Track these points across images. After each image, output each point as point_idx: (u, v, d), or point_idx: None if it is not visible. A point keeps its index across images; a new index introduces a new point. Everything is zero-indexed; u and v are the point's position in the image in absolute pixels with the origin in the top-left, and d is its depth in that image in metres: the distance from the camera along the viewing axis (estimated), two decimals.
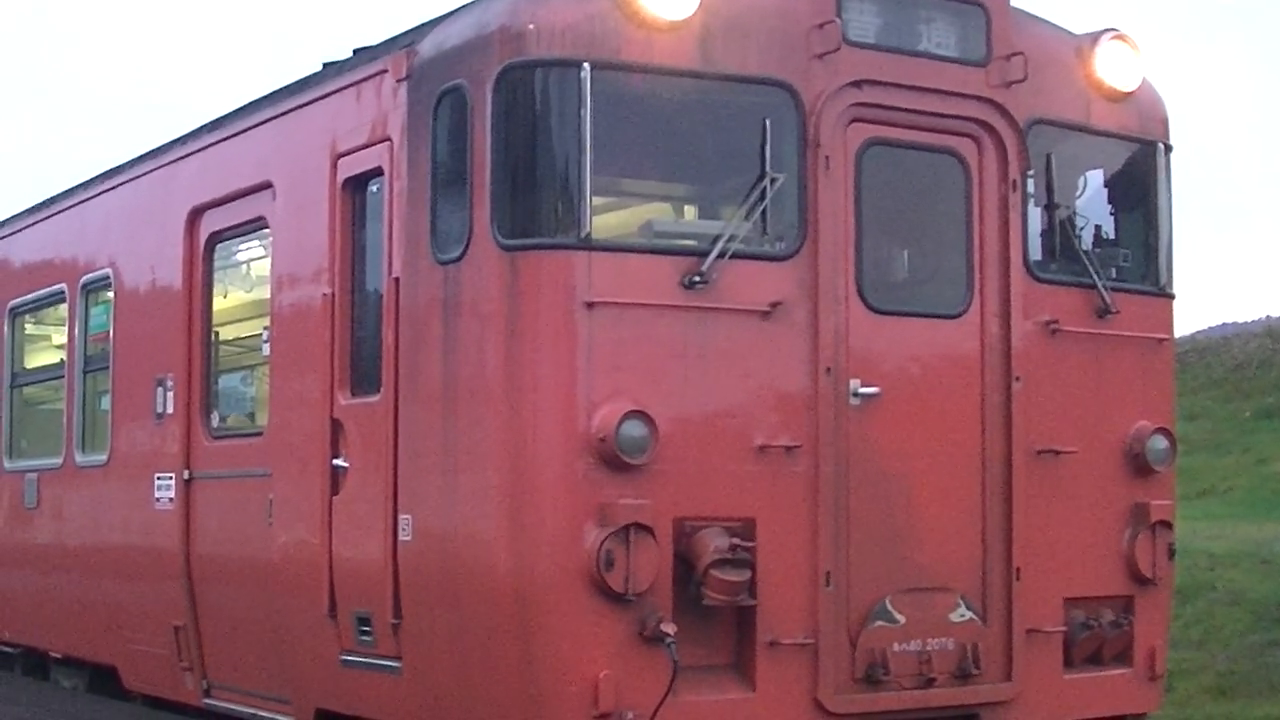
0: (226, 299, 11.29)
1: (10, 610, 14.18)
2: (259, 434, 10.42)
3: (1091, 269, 9.45)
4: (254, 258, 11.04)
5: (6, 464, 14.22)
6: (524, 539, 8.18)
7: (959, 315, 9.14)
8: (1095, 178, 10.00)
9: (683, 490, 8.28)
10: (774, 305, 8.54)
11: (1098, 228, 9.85)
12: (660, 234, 8.58)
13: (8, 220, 14.66)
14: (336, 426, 9.45)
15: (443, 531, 8.57)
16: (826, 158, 8.74)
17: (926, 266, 9.41)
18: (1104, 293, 9.46)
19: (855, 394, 8.76)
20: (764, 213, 8.55)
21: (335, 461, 9.43)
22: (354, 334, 9.50)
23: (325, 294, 9.56)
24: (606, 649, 8.11)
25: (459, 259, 8.52)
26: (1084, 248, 9.52)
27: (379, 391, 9.07)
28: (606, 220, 8.58)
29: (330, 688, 9.62)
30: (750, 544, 8.31)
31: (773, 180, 8.56)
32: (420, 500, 8.72)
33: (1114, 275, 9.65)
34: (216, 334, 11.16)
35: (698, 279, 8.37)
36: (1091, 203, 9.97)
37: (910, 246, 9.39)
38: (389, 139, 9.11)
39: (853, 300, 8.80)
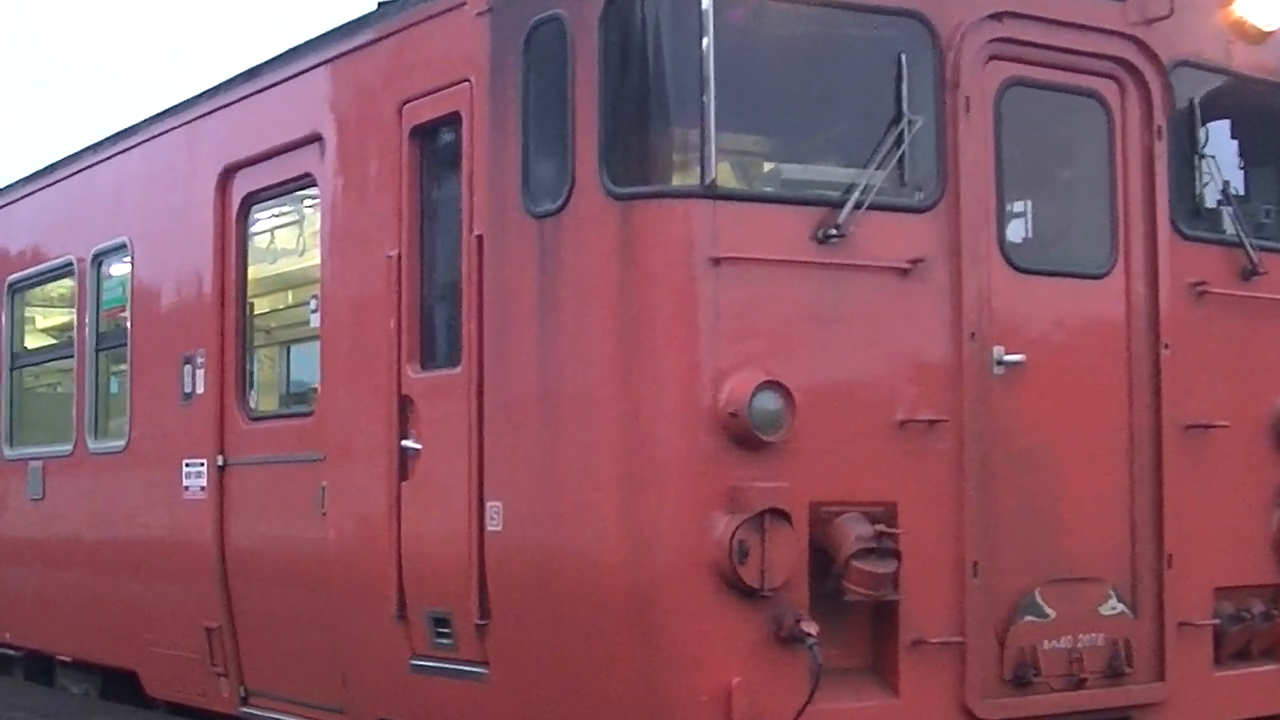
0: (264, 266, 10.10)
1: (12, 610, 12.88)
2: (308, 414, 9.22)
3: (1237, 226, 8.41)
4: (298, 219, 9.86)
5: (7, 452, 12.90)
6: (642, 528, 7.04)
7: (1103, 276, 8.06)
8: (1222, 127, 8.98)
9: (819, 471, 7.17)
10: (914, 262, 7.44)
11: (1226, 182, 8.83)
12: (788, 182, 7.46)
13: (5, 189, 13.35)
14: (405, 404, 8.28)
15: (541, 520, 7.42)
16: (966, 99, 7.64)
17: (1068, 222, 8.34)
18: (1251, 252, 8.42)
19: (999, 362, 7.66)
20: (901, 159, 7.47)
21: (404, 443, 8.25)
22: (425, 300, 8.32)
23: (390, 256, 8.38)
24: (739, 652, 6.99)
25: (558, 211, 7.37)
26: (1228, 203, 8.49)
27: (458, 363, 7.91)
28: (725, 167, 7.45)
29: (396, 696, 8.45)
30: (894, 531, 7.22)
31: (910, 123, 7.48)
32: (512, 485, 7.57)
33: (1255, 233, 8.64)
34: (252, 305, 9.98)
35: (834, 232, 7.26)
36: (1221, 154, 8.94)
37: (1051, 199, 8.32)
38: (467, 80, 7.93)
39: (994, 258, 7.71)
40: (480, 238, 7.78)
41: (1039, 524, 7.72)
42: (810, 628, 7.00)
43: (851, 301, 7.35)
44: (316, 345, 9.19)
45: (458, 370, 7.91)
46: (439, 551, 8.00)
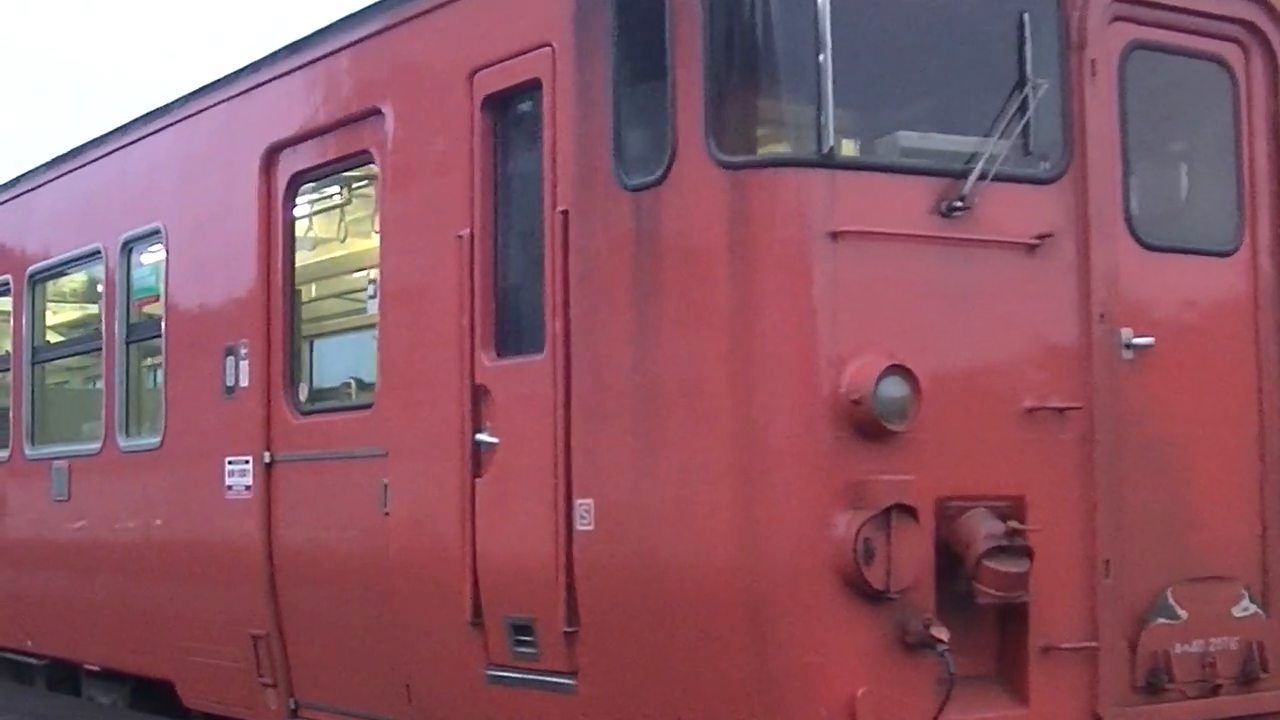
0: (314, 250, 9.49)
1: (35, 616, 12.22)
2: (367, 407, 8.61)
3: None
4: (352, 199, 9.24)
5: (28, 451, 12.24)
6: (755, 527, 6.44)
7: (1231, 253, 7.51)
8: None
9: (945, 463, 6.58)
10: (1041, 238, 6.87)
11: None
12: (907, 151, 6.87)
13: (24, 175, 12.69)
14: (479, 394, 7.68)
15: (639, 518, 6.81)
16: (1092, 62, 7.08)
17: (1193, 195, 7.78)
18: None
19: (1127, 346, 7.10)
20: (1025, 126, 6.89)
21: (478, 436, 7.64)
22: (499, 282, 7.73)
23: (460, 236, 7.77)
24: (863, 660, 6.40)
25: (656, 182, 6.77)
26: None
27: (541, 349, 7.31)
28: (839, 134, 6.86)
29: (470, 708, 7.83)
30: (1027, 528, 6.64)
31: (1035, 87, 6.91)
32: (605, 481, 6.97)
33: None
34: (299, 292, 9.36)
35: (958, 204, 6.68)
36: None
37: (1175, 171, 7.76)
38: (548, 44, 7.33)
39: (1121, 234, 7.14)
40: (565, 213, 7.18)
41: (1169, 519, 7.16)
42: (941, 633, 6.42)
43: (976, 280, 6.77)
44: (373, 334, 8.60)
45: (540, 357, 7.31)
46: (519, 553, 7.40)
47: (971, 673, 6.63)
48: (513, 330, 7.63)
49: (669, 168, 6.71)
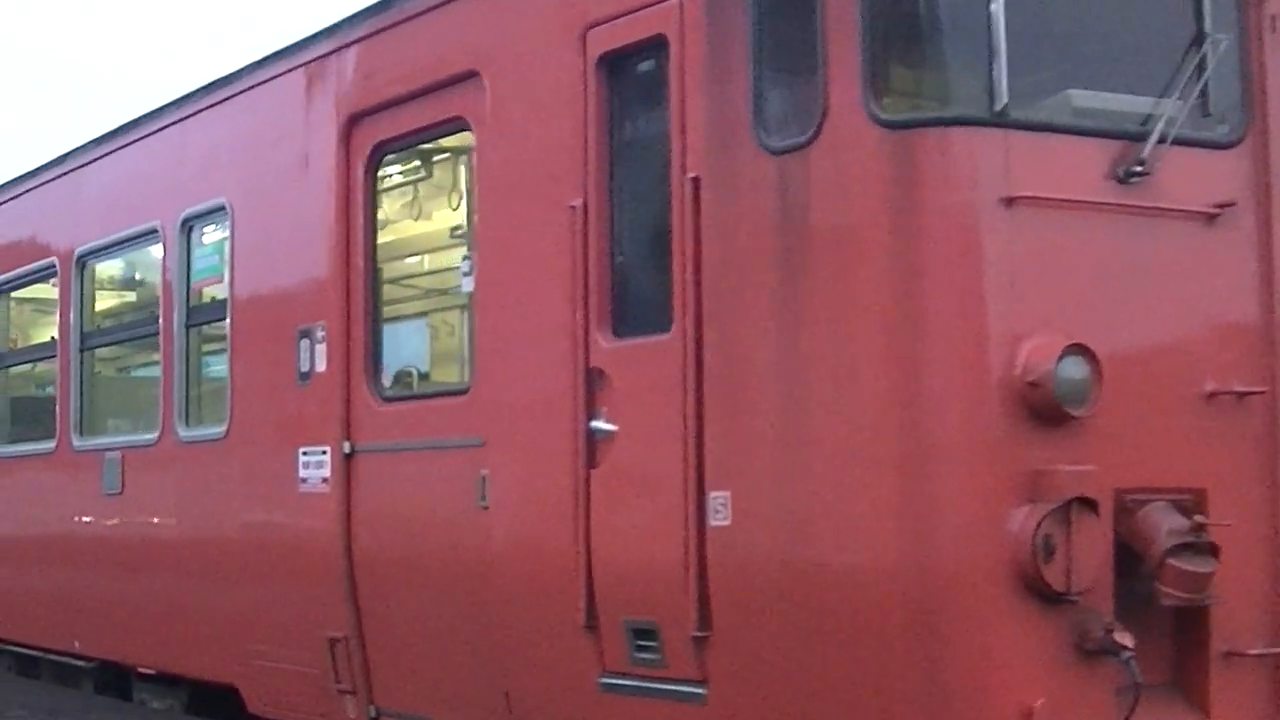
0: (399, 225, 8.96)
1: (83, 617, 11.69)
2: (462, 393, 8.08)
3: None
4: (443, 170, 8.71)
5: (76, 442, 11.71)
6: (922, 522, 5.91)
7: None
8: None
9: (1123, 452, 6.05)
10: (1221, 207, 6.35)
11: None
12: (1079, 111, 6.34)
13: (71, 153, 12.17)
14: (594, 378, 7.16)
15: (784, 513, 6.28)
16: (1273, 17, 6.56)
17: None
18: None
19: None
20: (1204, 86, 6.38)
21: (593, 424, 7.13)
22: (617, 256, 7.20)
23: (573, 206, 7.25)
24: (1040, 669, 5.87)
25: (806, 144, 6.24)
26: None
27: (668, 328, 6.78)
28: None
29: (581, 718, 7.33)
30: (1212, 523, 6.11)
31: (1214, 44, 6.39)
32: (744, 472, 6.44)
33: None
34: (381, 271, 8.83)
35: (1137, 169, 6.16)
36: None
37: None
38: None
39: None
40: (696, 180, 6.65)
41: None
42: (1125, 639, 5.89)
43: (1152, 252, 6.25)
44: (468, 314, 8.09)
45: (666, 337, 6.78)
46: (642, 551, 6.87)
47: (1148, 681, 6.10)
48: (632, 308, 7.11)
49: (819, 128, 6.19)
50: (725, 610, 6.52)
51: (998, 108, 5.94)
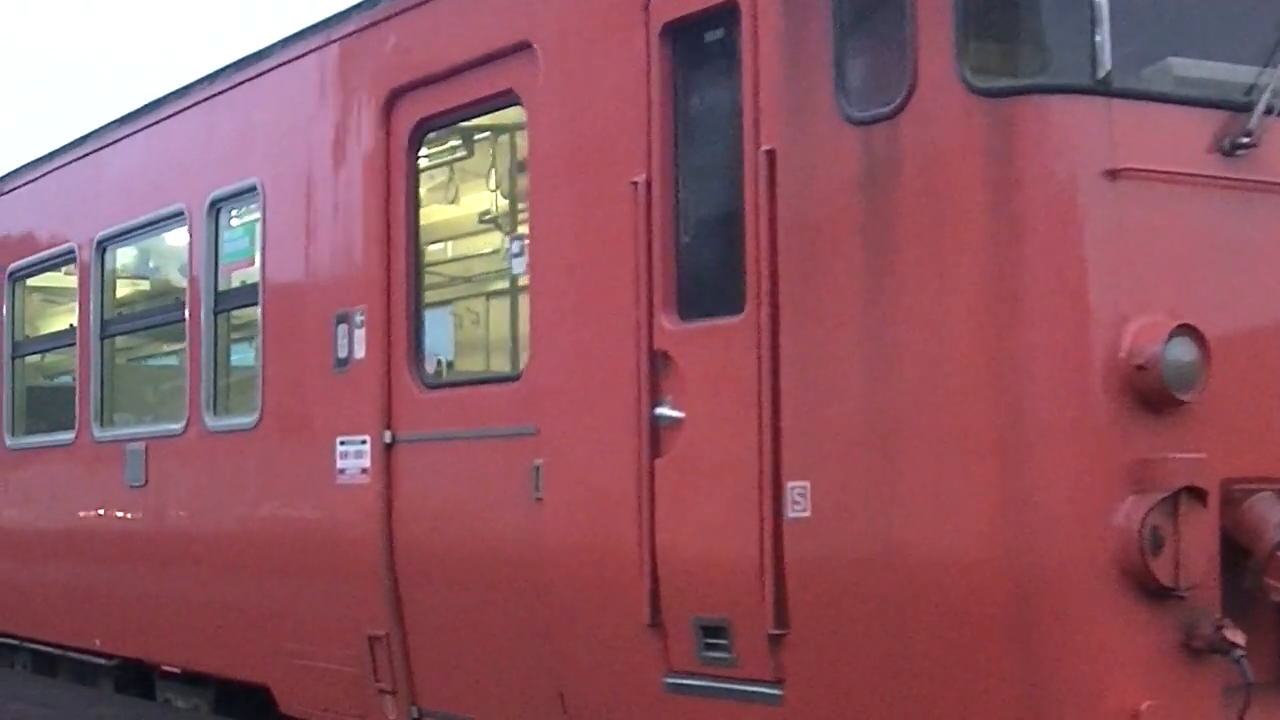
0: (443, 205, 8.65)
1: (104, 614, 11.37)
2: (513, 379, 7.77)
3: None
4: (488, 146, 8.39)
5: (97, 433, 11.40)
6: (1021, 514, 5.59)
7: None
8: None
9: (1230, 440, 5.74)
10: None
11: None
12: (1181, 80, 6.03)
13: (90, 135, 11.85)
14: (658, 362, 6.85)
15: (870, 505, 5.96)
16: None
17: None
18: None
19: None
20: None
21: (659, 410, 6.82)
22: (682, 234, 6.89)
23: (634, 183, 6.92)
24: (1146, 668, 5.57)
25: (893, 114, 5.93)
26: None
27: (740, 310, 6.47)
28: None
29: (645, 719, 7.03)
30: None
31: None
32: (825, 461, 6.13)
33: None
34: (424, 253, 8.52)
35: (1244, 141, 5.85)
36: None
37: None
38: None
39: None
40: (771, 153, 6.34)
41: None
42: (1236, 636, 5.59)
43: (1257, 228, 5.94)
44: (518, 297, 7.79)
45: (738, 319, 6.47)
46: (712, 544, 6.56)
47: (1257, 680, 5.81)
48: (700, 289, 6.79)
49: (909, 96, 5.87)
50: (804, 606, 6.21)
51: (1100, 75, 5.63)
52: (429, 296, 8.52)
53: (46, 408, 12.61)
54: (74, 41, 46.39)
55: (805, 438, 6.20)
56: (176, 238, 10.62)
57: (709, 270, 6.79)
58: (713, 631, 6.61)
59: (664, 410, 6.80)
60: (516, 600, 7.60)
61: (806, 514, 6.17)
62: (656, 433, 6.82)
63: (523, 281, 7.78)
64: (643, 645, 6.91)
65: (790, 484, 6.23)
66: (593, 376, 7.18)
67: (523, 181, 7.98)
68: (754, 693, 6.45)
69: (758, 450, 6.34)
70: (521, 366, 7.68)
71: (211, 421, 9.98)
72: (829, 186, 6.16)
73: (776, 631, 6.30)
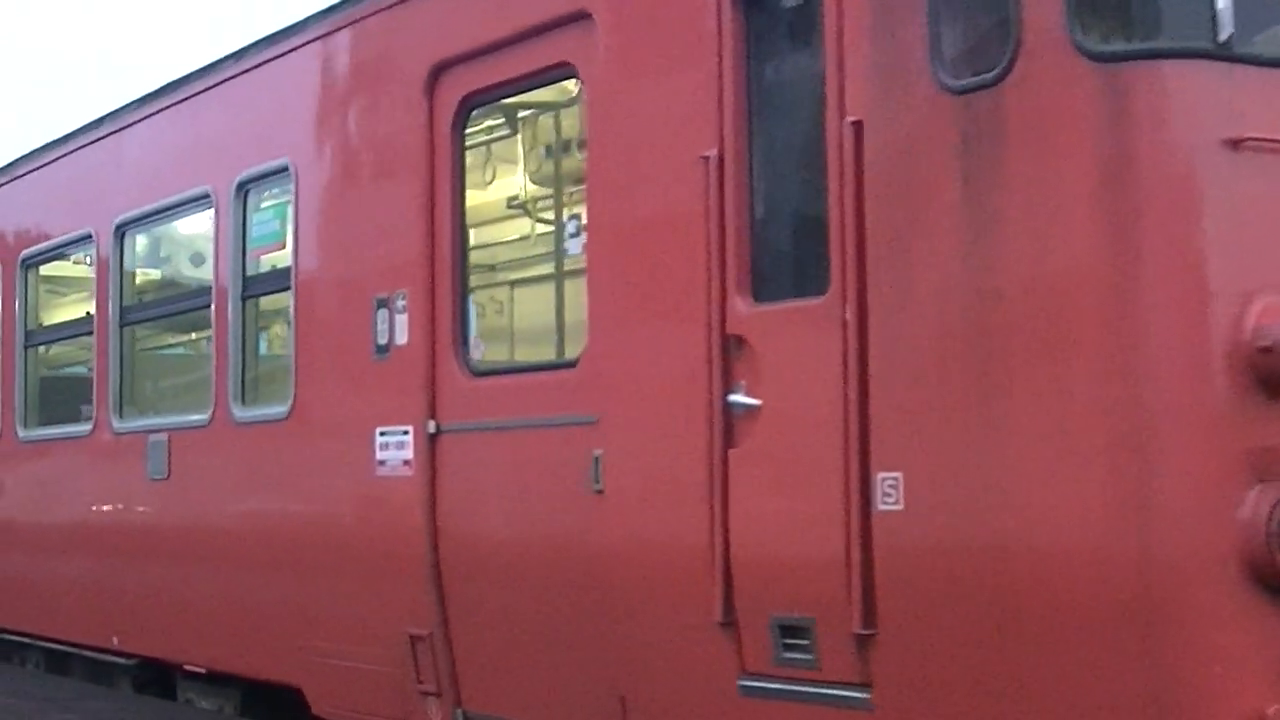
0: (490, 184, 8.31)
1: (123, 611, 11.02)
2: (568, 365, 7.44)
3: None
4: (543, 121, 8.05)
5: (116, 424, 11.04)
6: (1137, 506, 5.25)
7: None
8: None
9: None
10: None
11: None
12: None
13: (110, 115, 11.48)
14: (732, 346, 6.53)
15: (970, 496, 5.63)
16: None
17: None
18: None
19: None
20: None
21: (733, 398, 6.49)
22: (757, 211, 6.56)
23: (705, 157, 6.60)
24: (1275, 670, 5.24)
25: (996, 81, 5.59)
26: None
27: (823, 290, 6.14)
28: None
29: None
30: None
31: None
32: (920, 451, 5.79)
33: None
34: (469, 234, 8.17)
35: None
36: None
37: None
38: None
39: None
40: (858, 124, 6.00)
41: None
42: None
43: None
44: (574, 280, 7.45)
45: (821, 300, 6.13)
46: (792, 539, 6.23)
47: None
48: (778, 269, 6.47)
49: (1013, 62, 5.55)
50: (895, 604, 5.88)
51: (1221, 38, 5.31)
52: (489, 278, 8.19)
53: (61, 398, 12.26)
54: (72, 41, 46.11)
55: (897, 426, 5.87)
56: (201, 221, 10.28)
57: (787, 249, 6.47)
58: (792, 631, 6.28)
59: (738, 398, 6.47)
60: (572, 597, 7.27)
61: (898, 506, 5.84)
62: (730, 421, 6.50)
63: (578, 264, 7.45)
64: (714, 646, 6.57)
65: (880, 475, 5.90)
66: (658, 363, 6.84)
67: (574, 161, 7.67)
68: (839, 696, 6.12)
69: (843, 439, 6.01)
70: (578, 353, 7.34)
71: (240, 412, 9.63)
72: (923, 159, 5.82)
73: (864, 631, 5.97)
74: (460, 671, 8.06)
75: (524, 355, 8.40)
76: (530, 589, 7.55)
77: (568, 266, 7.67)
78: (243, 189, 9.70)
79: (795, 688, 6.28)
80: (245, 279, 9.71)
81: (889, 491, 5.87)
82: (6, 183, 12.91)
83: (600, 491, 7.08)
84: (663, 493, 6.81)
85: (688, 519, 6.63)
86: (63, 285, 12.55)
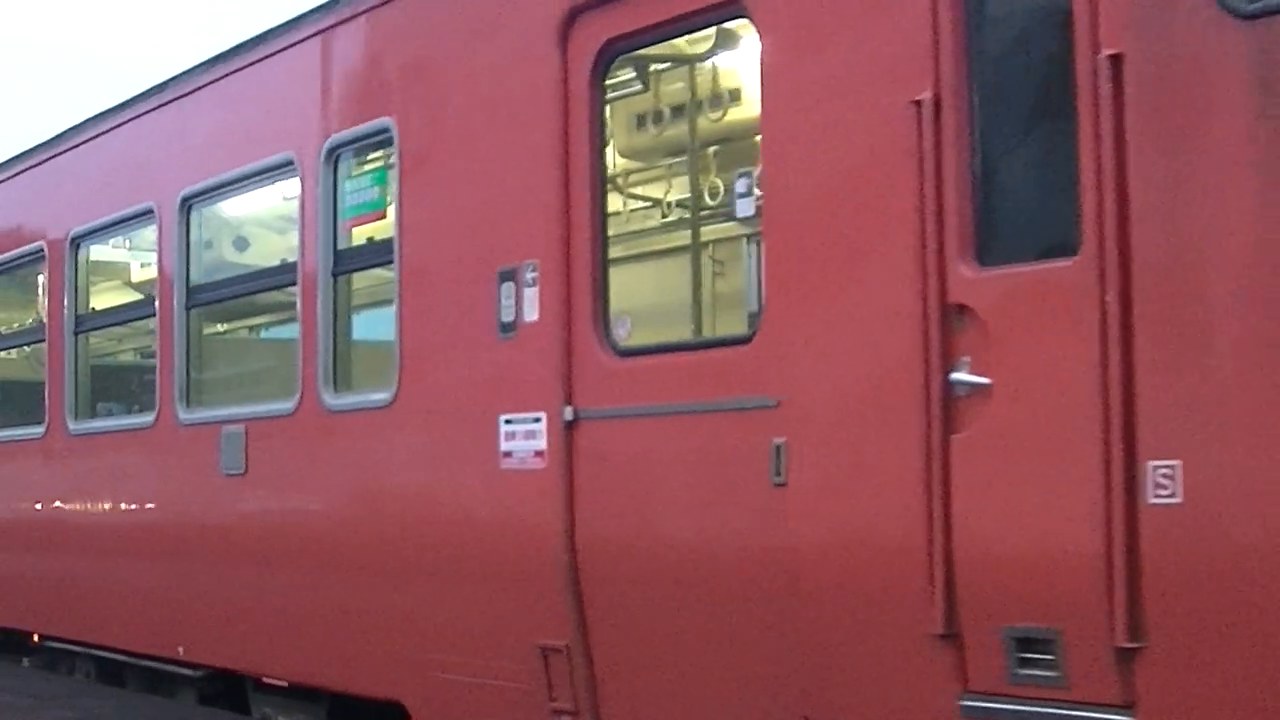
0: (632, 140, 7.55)
1: (191, 619, 10.25)
2: (741, 342, 6.66)
3: None
4: (698, 69, 7.28)
5: (183, 414, 10.27)
6: None
7: None
8: None
9: None
10: None
11: None
12: None
13: (174, 79, 10.69)
14: (953, 317, 5.77)
15: (1269, 488, 4.92)
16: None
17: None
18: None
19: None
20: None
21: (956, 376, 5.74)
22: (982, 162, 5.80)
23: (917, 101, 5.85)
24: None
25: None
26: None
27: (1074, 251, 5.37)
28: None
29: None
30: None
31: None
32: (1204, 434, 5.03)
33: None
34: (610, 197, 7.40)
35: None
36: None
37: None
38: None
39: None
40: (1117, 58, 5.25)
41: None
42: None
43: None
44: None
45: (1071, 262, 5.38)
46: (1034, 539, 5.46)
47: None
48: (1011, 228, 5.69)
49: None
50: (1168, 614, 5.13)
51: None
52: (636, 247, 7.42)
53: (118, 387, 11.49)
54: (68, 37, 45.50)
55: (1173, 406, 5.11)
56: (281, 191, 9.50)
57: (1021, 206, 5.70)
58: (1031, 644, 5.51)
59: (962, 376, 5.71)
60: (743, 606, 6.50)
61: (1176, 500, 5.08)
62: (952, 403, 5.74)
63: (749, 228, 6.70)
64: (930, 660, 5.81)
65: (1152, 464, 5.14)
66: (858, 336, 6.08)
67: (738, 111, 6.92)
68: (1092, 719, 5.38)
69: (1102, 423, 5.25)
70: (755, 326, 6.56)
71: (331, 399, 8.85)
72: (1203, 98, 5.07)
73: (1129, 645, 5.22)
74: (601, 688, 7.29)
75: (669, 333, 7.61)
76: (691, 596, 6.77)
77: (742, 231, 6.89)
78: (333, 154, 8.91)
79: (1035, 709, 5.52)
80: (336, 253, 8.92)
81: (1163, 482, 5.11)
82: (58, 155, 12.13)
83: (782, 484, 6.31)
84: (864, 485, 6.03)
85: (897, 516, 5.87)
86: (113, 269, 11.77)
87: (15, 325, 13.30)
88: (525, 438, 7.50)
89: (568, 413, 7.28)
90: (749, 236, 7.14)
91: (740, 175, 6.77)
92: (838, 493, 6.14)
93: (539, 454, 7.42)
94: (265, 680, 9.71)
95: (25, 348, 12.98)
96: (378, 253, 8.62)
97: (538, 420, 7.43)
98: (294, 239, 9.27)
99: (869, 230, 6.04)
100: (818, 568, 6.19)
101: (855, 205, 6.10)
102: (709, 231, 7.92)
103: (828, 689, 6.23)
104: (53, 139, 12.20)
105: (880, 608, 5.97)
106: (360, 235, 8.88)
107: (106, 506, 11.26)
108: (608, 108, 7.31)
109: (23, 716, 10.27)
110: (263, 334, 10.55)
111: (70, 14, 47.74)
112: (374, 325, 9.03)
